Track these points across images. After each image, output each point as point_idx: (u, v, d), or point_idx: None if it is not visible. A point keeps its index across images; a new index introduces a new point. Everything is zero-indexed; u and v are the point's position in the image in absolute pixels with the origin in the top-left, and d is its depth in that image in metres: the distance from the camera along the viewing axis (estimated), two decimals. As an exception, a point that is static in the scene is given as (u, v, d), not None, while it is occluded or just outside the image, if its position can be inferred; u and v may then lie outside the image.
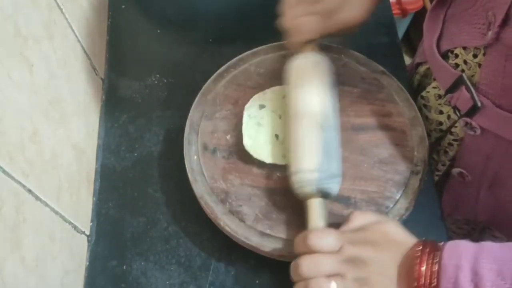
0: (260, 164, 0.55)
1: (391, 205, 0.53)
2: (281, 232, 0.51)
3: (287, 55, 0.64)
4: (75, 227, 0.54)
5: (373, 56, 0.64)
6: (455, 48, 0.54)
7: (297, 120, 0.52)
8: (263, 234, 0.51)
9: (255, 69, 0.63)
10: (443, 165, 0.63)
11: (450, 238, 0.55)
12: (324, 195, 0.48)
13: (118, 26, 0.74)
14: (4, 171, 0.39)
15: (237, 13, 0.75)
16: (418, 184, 0.54)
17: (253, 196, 0.54)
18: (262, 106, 0.58)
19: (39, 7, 0.50)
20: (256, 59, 0.64)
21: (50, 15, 0.53)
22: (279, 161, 0.55)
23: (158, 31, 0.73)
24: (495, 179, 0.56)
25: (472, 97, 0.51)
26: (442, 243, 0.41)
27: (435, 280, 0.38)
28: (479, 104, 0.51)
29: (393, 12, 0.75)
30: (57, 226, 0.49)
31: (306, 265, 0.43)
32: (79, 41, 0.61)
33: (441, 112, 0.60)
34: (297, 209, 0.52)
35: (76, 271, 0.53)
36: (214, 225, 0.54)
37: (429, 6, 1.53)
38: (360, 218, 0.46)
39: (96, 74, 0.67)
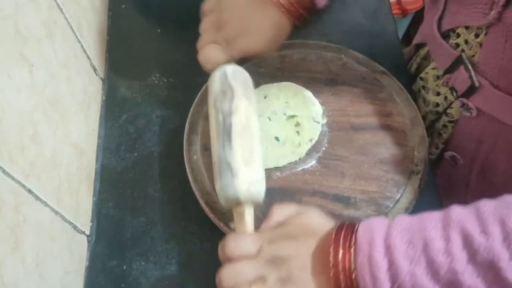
0: (260, 164, 0.55)
1: (391, 205, 0.53)
2: (281, 232, 0.51)
3: (287, 55, 0.64)
4: (75, 227, 0.54)
5: (373, 56, 0.64)
6: (457, 27, 0.54)
7: (212, 139, 0.50)
8: (263, 234, 0.51)
9: (255, 69, 0.63)
10: (437, 148, 0.64)
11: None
12: (250, 201, 0.47)
13: (118, 26, 0.74)
14: (4, 171, 0.39)
15: (237, 13, 0.75)
16: (418, 184, 0.54)
17: (253, 196, 0.54)
18: None
19: (39, 7, 0.50)
20: (256, 59, 0.64)
21: (50, 15, 0.53)
22: (282, 163, 0.55)
23: (158, 31, 0.73)
24: (486, 163, 0.57)
25: (470, 77, 0.52)
26: (357, 223, 0.40)
27: (354, 263, 0.37)
28: (476, 84, 0.51)
29: (393, 12, 0.75)
30: (57, 226, 0.49)
31: (226, 276, 0.41)
32: (79, 41, 0.61)
33: (438, 94, 0.61)
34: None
35: (76, 271, 0.53)
36: (214, 225, 0.53)
37: (429, 6, 1.53)
38: (279, 213, 0.45)
39: (96, 74, 0.67)
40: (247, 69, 0.63)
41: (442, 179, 0.63)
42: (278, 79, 0.62)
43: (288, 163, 0.56)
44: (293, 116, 0.58)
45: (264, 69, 0.63)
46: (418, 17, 1.41)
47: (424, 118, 0.60)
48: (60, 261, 0.49)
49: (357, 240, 0.38)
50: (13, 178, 0.41)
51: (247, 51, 0.54)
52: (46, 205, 0.47)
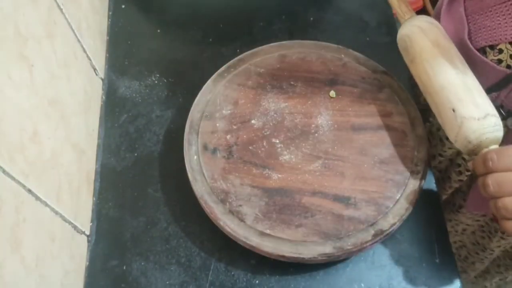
0: (260, 164, 0.55)
1: (391, 205, 0.53)
2: (281, 232, 0.51)
3: (287, 55, 0.64)
4: (75, 227, 0.54)
5: (373, 56, 0.64)
6: (499, 43, 0.52)
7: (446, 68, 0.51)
8: (263, 234, 0.51)
9: (255, 69, 0.63)
10: None
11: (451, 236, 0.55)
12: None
13: (118, 26, 0.74)
14: (4, 171, 0.39)
15: (237, 13, 0.75)
16: (418, 184, 0.54)
17: (253, 196, 0.54)
18: None
19: (39, 7, 0.50)
20: (256, 59, 0.64)
21: (50, 15, 0.53)
22: None
23: (158, 31, 0.73)
24: None
25: None
26: None
27: None
28: None
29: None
30: (57, 226, 0.49)
31: (495, 181, 0.43)
32: (79, 41, 0.61)
33: None
34: (298, 209, 0.52)
35: (76, 271, 0.53)
36: (214, 225, 0.54)
37: (429, 6, 1.52)
38: None
39: (96, 74, 0.67)
40: (246, 70, 0.63)
41: (477, 194, 0.61)
42: (279, 79, 0.62)
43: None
44: None
45: (263, 69, 0.63)
46: (418, 17, 1.41)
47: None
48: (60, 261, 0.49)
49: None
50: (13, 178, 0.41)
51: None
52: (46, 205, 0.47)
